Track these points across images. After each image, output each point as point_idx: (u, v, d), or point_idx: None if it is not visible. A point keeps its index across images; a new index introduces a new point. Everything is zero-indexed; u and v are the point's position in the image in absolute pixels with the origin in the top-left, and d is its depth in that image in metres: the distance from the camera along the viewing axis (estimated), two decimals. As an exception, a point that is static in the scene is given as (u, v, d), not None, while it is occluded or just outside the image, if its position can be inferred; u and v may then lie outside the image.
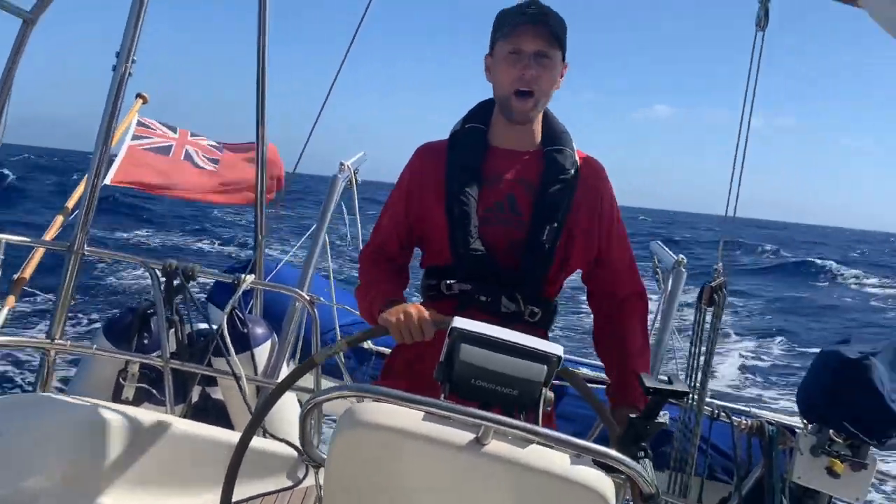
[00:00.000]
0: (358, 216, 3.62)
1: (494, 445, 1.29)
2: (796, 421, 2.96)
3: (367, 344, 4.07)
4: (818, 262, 33.72)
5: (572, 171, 2.04)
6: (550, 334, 2.15)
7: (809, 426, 2.87)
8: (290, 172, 4.33)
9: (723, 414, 2.89)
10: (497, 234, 2.00)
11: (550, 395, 1.39)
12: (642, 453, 1.39)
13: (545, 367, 1.39)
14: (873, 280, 31.23)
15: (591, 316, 2.21)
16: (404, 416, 1.33)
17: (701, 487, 2.96)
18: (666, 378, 1.42)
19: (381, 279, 2.10)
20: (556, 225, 1.99)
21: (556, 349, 1.40)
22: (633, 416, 1.38)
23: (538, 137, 2.10)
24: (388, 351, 2.53)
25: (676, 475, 2.88)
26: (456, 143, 2.10)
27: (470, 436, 1.30)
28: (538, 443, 1.29)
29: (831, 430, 2.74)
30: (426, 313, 1.84)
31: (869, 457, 2.71)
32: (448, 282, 2.03)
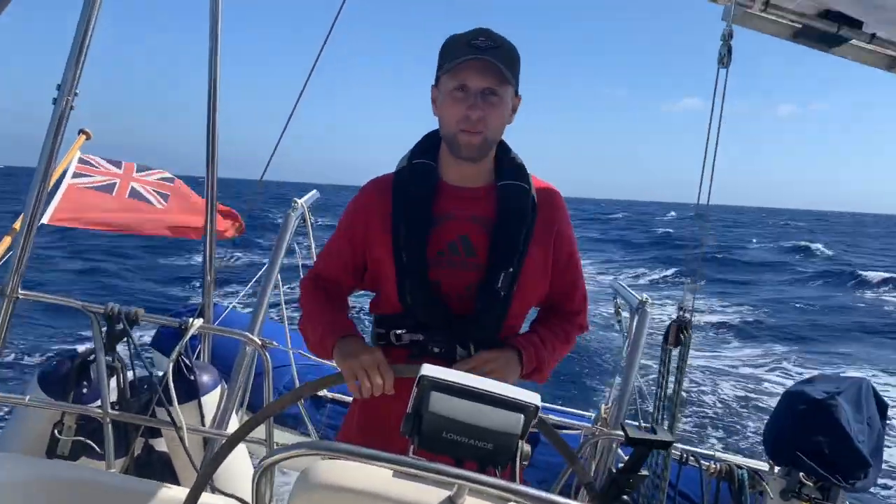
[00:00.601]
0: (314, 253, 3.49)
1: None
2: (764, 465, 2.91)
3: (323, 391, 3.91)
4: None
5: (529, 208, 1.93)
6: None
7: (777, 469, 2.83)
8: (257, 181, 4.17)
9: (691, 458, 2.81)
10: (450, 278, 1.88)
11: (528, 448, 1.29)
12: (626, 509, 1.30)
13: (522, 416, 1.29)
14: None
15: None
16: (369, 475, 1.22)
17: None
18: (649, 426, 1.34)
19: (327, 308, 1.97)
20: (511, 270, 1.87)
21: (533, 398, 1.30)
22: (615, 470, 1.29)
23: (491, 172, 1.97)
24: (346, 399, 2.40)
25: (644, 523, 2.79)
26: (402, 181, 1.94)
27: (443, 494, 1.19)
28: (516, 501, 1.18)
29: (801, 473, 2.69)
30: (383, 363, 1.75)
31: (839, 500, 2.66)
32: (398, 332, 1.92)
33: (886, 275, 28.21)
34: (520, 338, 1.96)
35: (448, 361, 1.84)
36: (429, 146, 1.99)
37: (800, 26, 2.49)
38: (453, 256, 1.89)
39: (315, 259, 2.13)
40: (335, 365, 1.87)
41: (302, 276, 2.11)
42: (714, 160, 2.10)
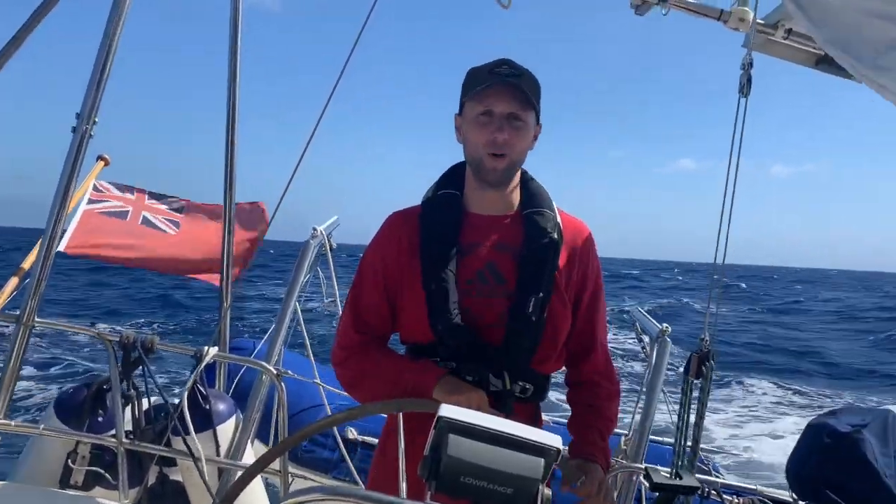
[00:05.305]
0: (335, 283, 3.44)
1: None
2: (788, 497, 2.84)
3: (352, 434, 3.88)
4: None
5: (555, 234, 1.93)
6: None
7: (801, 503, 2.76)
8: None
9: (713, 492, 2.74)
10: (481, 307, 1.88)
11: (548, 492, 1.25)
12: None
13: (542, 461, 1.25)
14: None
15: None
16: None
17: None
18: (675, 472, 1.30)
19: (394, 360, 1.95)
20: (541, 295, 1.87)
21: (554, 441, 1.26)
22: None
23: (516, 201, 1.99)
24: (373, 441, 2.37)
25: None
26: (429, 211, 1.96)
27: None
28: None
29: (826, 509, 2.63)
30: (485, 403, 1.78)
31: (866, 537, 2.59)
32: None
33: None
34: (588, 444, 1.99)
35: (487, 393, 1.84)
36: (454, 176, 2.01)
37: (822, 53, 2.46)
38: (482, 285, 1.89)
39: (342, 307, 2.11)
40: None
41: (327, 308, 2.13)
42: (732, 202, 2.04)
